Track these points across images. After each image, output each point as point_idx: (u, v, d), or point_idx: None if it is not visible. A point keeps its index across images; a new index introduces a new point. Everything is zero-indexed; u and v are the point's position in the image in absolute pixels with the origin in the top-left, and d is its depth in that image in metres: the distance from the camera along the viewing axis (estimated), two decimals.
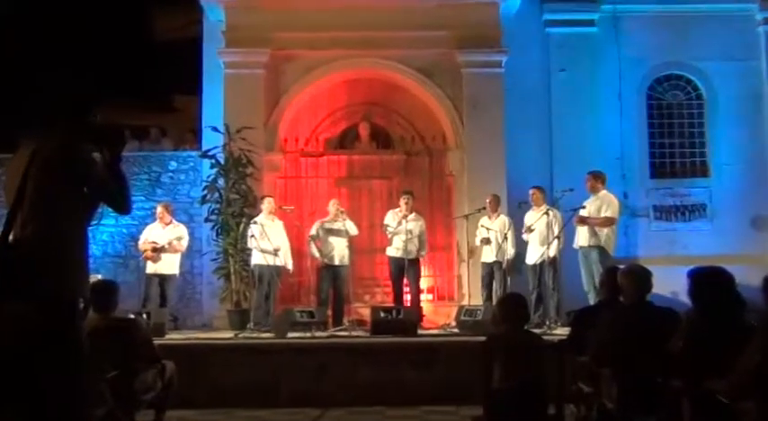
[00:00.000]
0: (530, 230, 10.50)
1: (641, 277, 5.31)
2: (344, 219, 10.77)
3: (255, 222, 10.39)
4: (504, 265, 10.55)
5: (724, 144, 13.06)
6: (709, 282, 4.64)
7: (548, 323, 9.89)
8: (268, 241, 10.29)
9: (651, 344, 4.80)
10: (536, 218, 10.42)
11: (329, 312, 10.53)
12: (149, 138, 14.47)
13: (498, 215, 10.92)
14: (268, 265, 10.37)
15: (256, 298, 10.38)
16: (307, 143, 12.65)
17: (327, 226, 10.85)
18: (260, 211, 10.78)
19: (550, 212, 10.26)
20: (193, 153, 12.90)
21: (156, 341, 6.41)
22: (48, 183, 3.63)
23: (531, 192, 10.71)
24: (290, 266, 10.74)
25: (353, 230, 10.83)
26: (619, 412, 4.97)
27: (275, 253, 10.37)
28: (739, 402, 4.06)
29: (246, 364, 8.25)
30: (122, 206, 3.82)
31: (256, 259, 10.40)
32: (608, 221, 10.08)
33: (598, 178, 10.35)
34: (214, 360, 8.31)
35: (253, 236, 10.24)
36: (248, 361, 8.28)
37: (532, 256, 10.54)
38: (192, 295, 12.56)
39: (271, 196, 11.07)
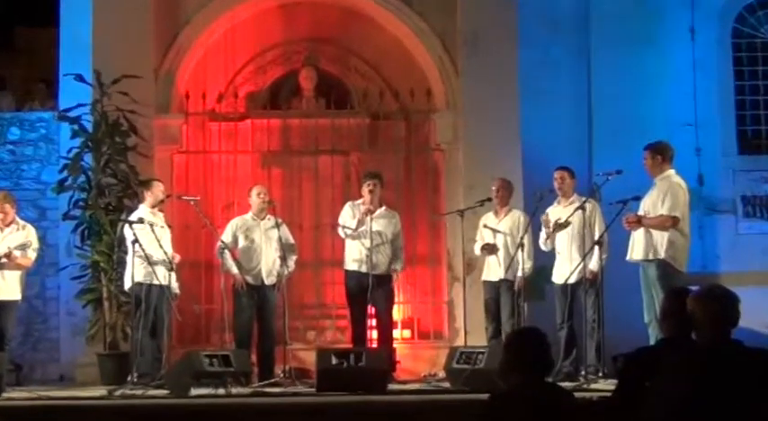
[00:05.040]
0: (551, 227, 10.48)
1: (723, 304, 5.30)
2: (277, 220, 10.75)
3: (142, 220, 10.30)
4: (517, 285, 10.61)
5: None
6: None
7: (584, 373, 9.98)
8: (159, 247, 10.25)
9: (739, 406, 4.81)
10: (564, 215, 10.46)
11: (254, 357, 10.57)
12: None
13: (509, 210, 10.97)
14: (160, 285, 10.35)
15: (140, 335, 10.34)
16: (219, 100, 12.64)
17: (249, 226, 10.85)
18: (142, 202, 10.75)
19: (588, 205, 10.27)
20: (46, 114, 12.88)
21: None
22: None
23: (555, 175, 10.72)
24: (177, 289, 10.72)
25: (288, 238, 10.85)
26: None
27: (170, 266, 10.36)
28: None
29: None
30: None
31: (138, 276, 10.34)
32: (666, 221, 9.90)
33: (659, 153, 10.17)
34: None
35: (136, 240, 10.16)
36: None
37: (562, 272, 10.56)
38: (43, 331, 12.54)
39: (159, 180, 11.04)
